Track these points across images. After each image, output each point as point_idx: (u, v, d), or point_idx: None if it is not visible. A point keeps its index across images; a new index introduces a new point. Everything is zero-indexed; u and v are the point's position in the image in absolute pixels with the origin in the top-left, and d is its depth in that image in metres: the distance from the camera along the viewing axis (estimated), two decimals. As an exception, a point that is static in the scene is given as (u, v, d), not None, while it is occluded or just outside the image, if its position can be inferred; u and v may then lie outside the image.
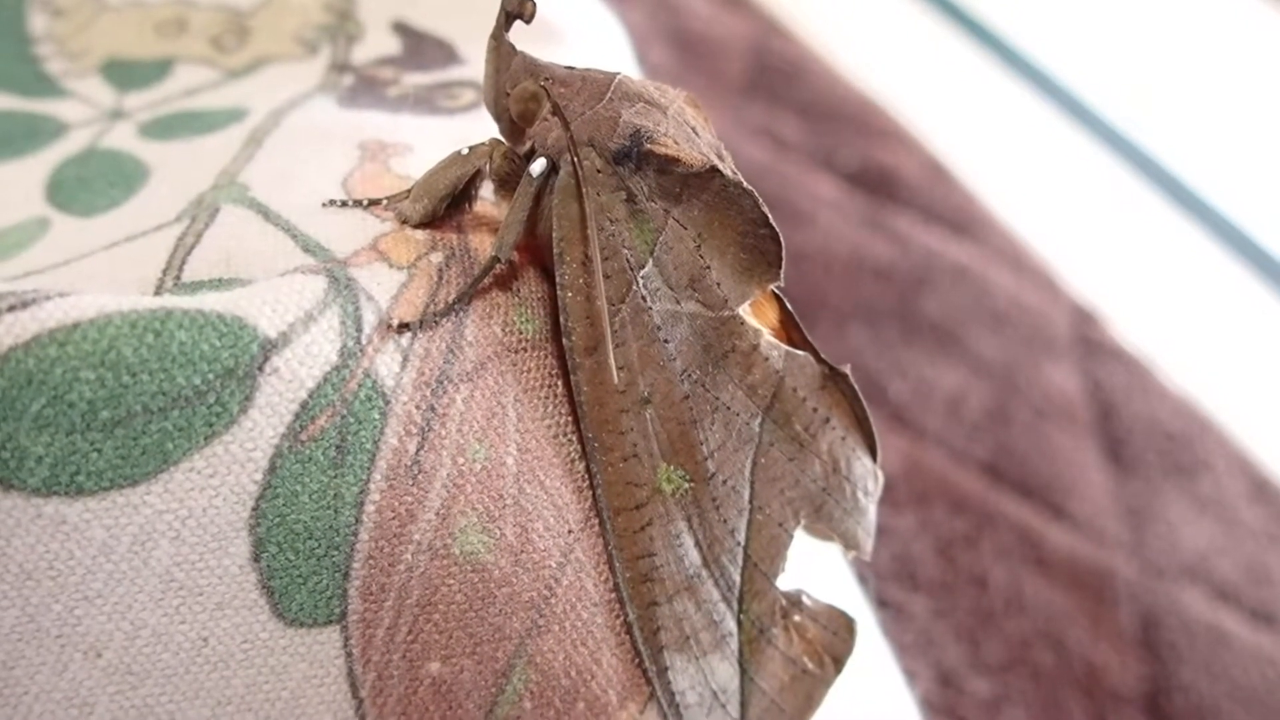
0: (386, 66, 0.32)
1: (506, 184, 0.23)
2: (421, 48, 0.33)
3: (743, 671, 0.24)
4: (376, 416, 0.20)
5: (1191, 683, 0.57)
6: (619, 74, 0.23)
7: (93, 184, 0.28)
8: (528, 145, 0.23)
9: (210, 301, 0.19)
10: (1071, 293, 0.79)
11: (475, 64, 0.32)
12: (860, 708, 0.29)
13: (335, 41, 0.33)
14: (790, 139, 0.86)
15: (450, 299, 0.21)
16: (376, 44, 0.33)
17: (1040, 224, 0.86)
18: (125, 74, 0.32)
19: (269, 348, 0.19)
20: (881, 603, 0.54)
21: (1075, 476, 0.66)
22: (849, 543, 0.25)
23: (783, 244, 0.23)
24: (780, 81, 0.93)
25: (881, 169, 0.87)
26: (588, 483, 0.22)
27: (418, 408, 0.20)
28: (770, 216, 0.22)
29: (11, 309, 0.18)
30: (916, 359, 0.71)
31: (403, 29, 0.33)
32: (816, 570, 0.29)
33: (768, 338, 0.23)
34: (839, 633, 0.25)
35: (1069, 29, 1.09)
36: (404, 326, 0.20)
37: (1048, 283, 0.80)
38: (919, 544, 0.58)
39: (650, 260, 0.22)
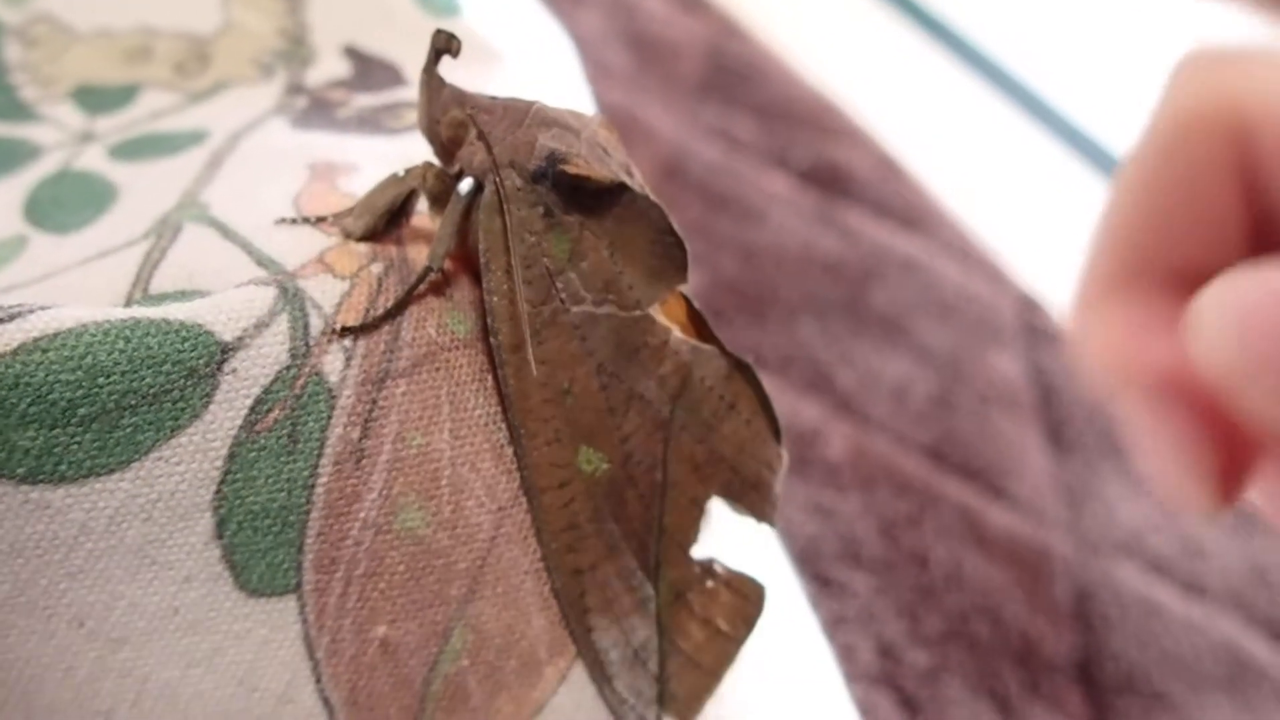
0: (338, 88, 0.34)
1: (439, 201, 0.25)
2: (370, 70, 0.35)
3: (661, 632, 0.26)
4: (323, 409, 0.23)
5: (1121, 651, 0.60)
6: (536, 102, 0.25)
7: (66, 203, 0.30)
8: (457, 167, 0.25)
9: (174, 311, 0.22)
10: (1017, 282, 0.82)
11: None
12: (785, 672, 0.32)
13: (290, 65, 0.35)
14: (744, 138, 0.89)
15: (389, 305, 0.24)
16: (328, 67, 0.35)
17: (989, 216, 0.88)
18: (95, 99, 0.35)
19: (227, 351, 0.22)
20: (825, 581, 0.57)
21: (1016, 458, 0.69)
22: (756, 516, 0.28)
23: (687, 250, 0.25)
24: (735, 82, 0.96)
25: (834, 166, 0.89)
26: (515, 465, 0.25)
27: (360, 401, 0.23)
28: (675, 226, 0.25)
29: (1, 321, 0.21)
30: (864, 349, 0.74)
31: (352, 53, 0.36)
32: (753, 548, 0.32)
33: (676, 334, 0.26)
34: (750, 596, 0.27)
35: (1020, 22, 1.12)
36: (347, 330, 0.23)
37: (994, 273, 0.83)
38: (863, 525, 0.61)
39: (568, 267, 0.25)
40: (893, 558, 0.60)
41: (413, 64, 0.35)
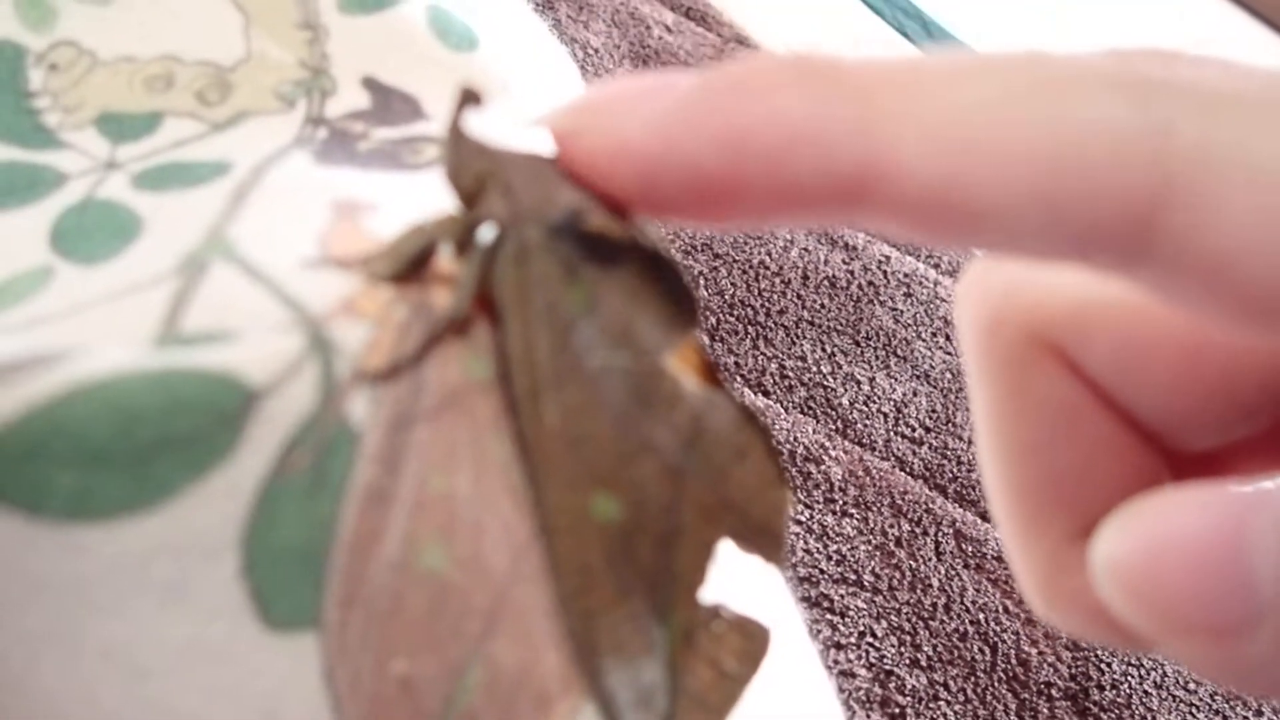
0: (357, 121, 0.35)
1: (462, 249, 0.26)
2: (389, 102, 0.36)
3: (669, 672, 0.27)
4: (348, 453, 0.23)
5: (1119, 679, 0.61)
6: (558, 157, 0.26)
7: (92, 234, 0.31)
8: (479, 216, 0.26)
9: (205, 358, 0.22)
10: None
11: (438, 119, 0.35)
12: (784, 704, 0.32)
13: (310, 96, 0.36)
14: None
15: (413, 349, 0.25)
16: (348, 99, 0.36)
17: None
18: (118, 126, 0.35)
19: (256, 397, 0.22)
20: (824, 604, 0.57)
21: (1014, 481, 0.70)
22: (765, 557, 0.28)
23: (698, 302, 0.26)
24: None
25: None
26: (531, 507, 0.26)
27: (384, 445, 0.24)
28: (686, 278, 0.26)
29: (39, 366, 0.21)
30: (866, 368, 0.75)
31: (372, 84, 0.36)
32: (756, 579, 0.33)
33: (689, 383, 0.27)
34: (755, 637, 0.28)
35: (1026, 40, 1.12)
36: (372, 375, 0.24)
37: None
38: (862, 547, 0.62)
39: (585, 318, 0.25)
40: (891, 580, 0.61)
41: (431, 97, 0.36)
